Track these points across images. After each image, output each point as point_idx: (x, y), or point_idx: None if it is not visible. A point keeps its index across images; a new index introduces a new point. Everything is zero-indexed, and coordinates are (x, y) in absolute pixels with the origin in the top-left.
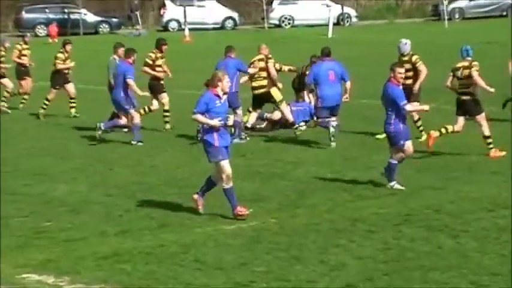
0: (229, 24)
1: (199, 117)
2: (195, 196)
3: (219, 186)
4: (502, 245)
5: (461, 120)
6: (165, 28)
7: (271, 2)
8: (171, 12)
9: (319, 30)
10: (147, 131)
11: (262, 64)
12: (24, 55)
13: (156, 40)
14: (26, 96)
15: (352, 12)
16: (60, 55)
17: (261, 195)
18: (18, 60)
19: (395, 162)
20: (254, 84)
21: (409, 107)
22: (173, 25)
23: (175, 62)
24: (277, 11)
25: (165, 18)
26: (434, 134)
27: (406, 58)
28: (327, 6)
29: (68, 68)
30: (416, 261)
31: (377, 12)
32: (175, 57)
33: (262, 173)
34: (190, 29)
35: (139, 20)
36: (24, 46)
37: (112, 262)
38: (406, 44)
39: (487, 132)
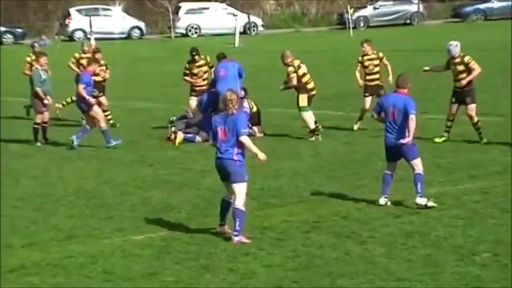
0: (135, 33)
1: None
2: (220, 229)
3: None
4: (409, 250)
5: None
6: (71, 38)
7: (178, 12)
8: (77, 21)
9: (226, 39)
10: (57, 142)
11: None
12: None
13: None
14: None
15: (259, 21)
16: None
17: (170, 205)
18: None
19: (422, 172)
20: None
21: (412, 117)
22: (79, 35)
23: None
24: (184, 20)
25: (70, 28)
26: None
27: (457, 60)
28: (234, 15)
29: None
30: (325, 268)
31: (283, 21)
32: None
33: (170, 182)
34: (96, 39)
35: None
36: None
37: (19, 275)
38: (456, 45)
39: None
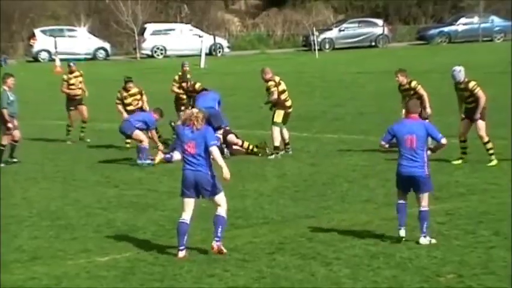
0: (101, 54)
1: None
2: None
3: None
4: (374, 272)
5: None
6: (35, 58)
7: (143, 33)
8: (41, 42)
9: (191, 60)
10: (21, 163)
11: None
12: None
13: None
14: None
15: (224, 42)
16: None
17: (136, 226)
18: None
19: (428, 209)
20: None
21: (444, 140)
22: (43, 55)
23: (48, 92)
24: (149, 42)
25: (35, 49)
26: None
27: (462, 86)
28: (199, 36)
29: None
30: None
31: (249, 42)
32: (48, 88)
33: (136, 203)
34: (61, 59)
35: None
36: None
37: None
38: (460, 71)
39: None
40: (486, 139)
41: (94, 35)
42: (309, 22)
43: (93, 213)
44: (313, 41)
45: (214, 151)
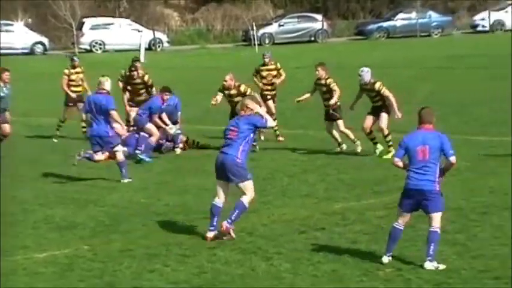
0: (38, 49)
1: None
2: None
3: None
4: (314, 266)
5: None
6: None
7: (82, 27)
8: None
9: (131, 55)
10: None
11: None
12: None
13: None
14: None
15: (164, 37)
16: None
17: (75, 222)
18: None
19: (439, 230)
20: None
21: (454, 158)
22: None
23: None
24: (88, 36)
25: None
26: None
27: (368, 87)
28: (138, 31)
29: None
30: (231, 284)
31: (188, 37)
32: None
33: (76, 199)
34: None
35: None
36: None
37: None
38: (367, 72)
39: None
40: (386, 132)
41: (31, 30)
42: (248, 17)
43: (31, 210)
44: (253, 35)
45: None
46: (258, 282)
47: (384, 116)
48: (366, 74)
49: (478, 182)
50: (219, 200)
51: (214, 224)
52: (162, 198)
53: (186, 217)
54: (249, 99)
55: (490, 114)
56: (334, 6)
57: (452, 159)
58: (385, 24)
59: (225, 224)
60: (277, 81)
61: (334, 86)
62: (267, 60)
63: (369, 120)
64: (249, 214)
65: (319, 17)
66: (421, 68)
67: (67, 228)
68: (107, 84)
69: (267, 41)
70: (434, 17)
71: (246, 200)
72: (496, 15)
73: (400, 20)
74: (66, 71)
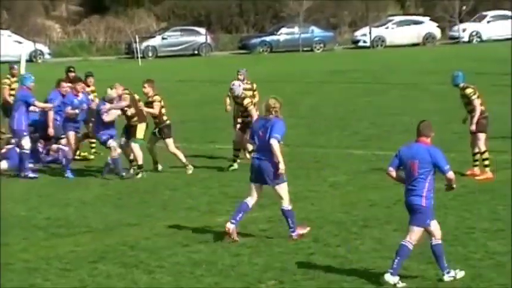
0: None
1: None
2: (295, 234)
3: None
4: (196, 279)
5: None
6: None
7: None
8: None
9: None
10: None
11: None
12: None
13: None
14: None
15: (45, 49)
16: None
17: None
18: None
19: (411, 246)
20: None
21: (451, 174)
22: None
23: None
24: None
25: None
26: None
27: (239, 101)
28: (19, 42)
29: None
30: None
31: (70, 49)
32: None
33: None
34: None
35: None
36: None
37: None
38: (239, 85)
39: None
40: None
41: None
42: (131, 29)
43: None
44: (136, 48)
45: (274, 145)
46: None
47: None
48: (237, 88)
49: (358, 196)
50: (251, 199)
51: (238, 219)
52: (43, 211)
53: (67, 231)
54: (276, 100)
55: (370, 128)
56: (218, 20)
57: (449, 174)
58: (268, 38)
59: (294, 234)
60: (253, 100)
61: (155, 104)
62: (241, 77)
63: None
64: (130, 227)
65: (202, 30)
66: (304, 82)
67: None
68: None
69: (150, 54)
70: (316, 32)
71: (286, 203)
72: (376, 31)
73: (283, 34)
74: (7, 81)
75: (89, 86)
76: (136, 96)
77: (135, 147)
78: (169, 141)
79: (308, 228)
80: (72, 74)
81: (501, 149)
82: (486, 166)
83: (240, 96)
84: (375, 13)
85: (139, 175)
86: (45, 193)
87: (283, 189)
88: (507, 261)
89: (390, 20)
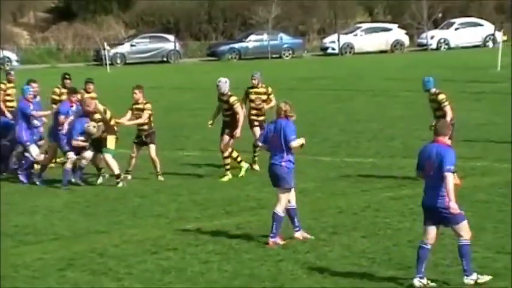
0: None
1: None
2: (273, 241)
3: None
4: (166, 286)
5: None
6: None
7: None
8: None
9: None
10: None
11: None
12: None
13: None
14: None
15: (13, 56)
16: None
17: None
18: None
19: (469, 242)
20: None
21: (448, 174)
22: None
23: None
24: None
25: None
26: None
27: (225, 98)
28: None
29: None
30: None
31: (38, 56)
32: None
33: None
34: None
35: None
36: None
37: None
38: (226, 82)
39: None
40: (226, 154)
41: None
42: (100, 36)
43: None
44: (105, 55)
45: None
46: None
47: (226, 138)
48: (224, 84)
49: (327, 202)
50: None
51: (275, 231)
52: (11, 219)
53: (35, 238)
54: (286, 103)
55: (339, 134)
56: (186, 27)
57: (447, 174)
58: (237, 45)
59: (299, 234)
60: (266, 106)
61: (146, 112)
62: (255, 82)
63: (225, 139)
64: (99, 235)
65: (171, 37)
66: (273, 89)
67: None
68: None
69: (118, 61)
70: (285, 39)
71: (280, 209)
72: (345, 38)
73: (252, 41)
74: (3, 86)
75: (89, 93)
76: (102, 108)
77: (108, 157)
78: (154, 147)
79: (310, 237)
80: (67, 82)
81: (468, 155)
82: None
83: (225, 94)
84: (344, 20)
85: (120, 184)
86: (13, 201)
87: (291, 193)
88: (475, 268)
89: (359, 27)
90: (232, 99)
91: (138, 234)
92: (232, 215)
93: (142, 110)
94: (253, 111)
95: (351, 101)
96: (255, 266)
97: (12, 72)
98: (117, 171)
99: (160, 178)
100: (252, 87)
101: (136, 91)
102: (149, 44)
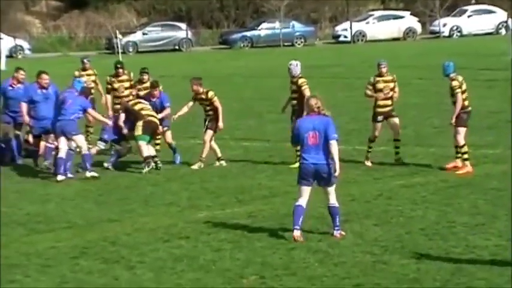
0: None
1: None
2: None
3: None
4: (178, 275)
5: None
6: None
7: None
8: None
9: None
10: None
11: None
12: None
13: None
14: None
15: (25, 44)
16: None
17: None
18: None
19: None
20: None
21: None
22: None
23: None
24: None
25: None
26: None
27: (294, 80)
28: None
29: None
30: None
31: (50, 45)
32: None
33: None
34: None
35: None
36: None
37: None
38: (296, 65)
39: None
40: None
41: None
42: (111, 24)
43: None
44: (117, 44)
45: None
46: None
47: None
48: (295, 67)
49: (339, 190)
50: (303, 200)
51: (299, 223)
52: (23, 207)
53: (47, 226)
54: (315, 98)
55: (350, 123)
56: (198, 15)
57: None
58: (249, 33)
59: (336, 233)
60: (395, 95)
61: (216, 100)
62: (384, 70)
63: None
64: (111, 223)
65: (183, 25)
66: (285, 77)
67: None
68: None
69: (130, 49)
70: (297, 27)
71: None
72: (357, 26)
73: (264, 29)
74: (76, 73)
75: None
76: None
77: (142, 144)
78: (210, 133)
79: (344, 235)
80: (120, 71)
81: (479, 143)
82: (465, 160)
83: (296, 76)
84: (356, 8)
85: (145, 169)
86: (24, 189)
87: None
88: (487, 255)
89: (371, 15)
90: (301, 81)
91: (150, 223)
92: (244, 203)
93: (207, 99)
94: (381, 102)
95: (363, 89)
96: (267, 254)
97: (86, 60)
98: (146, 153)
99: (222, 163)
100: (380, 75)
101: (195, 83)
102: (161, 32)
